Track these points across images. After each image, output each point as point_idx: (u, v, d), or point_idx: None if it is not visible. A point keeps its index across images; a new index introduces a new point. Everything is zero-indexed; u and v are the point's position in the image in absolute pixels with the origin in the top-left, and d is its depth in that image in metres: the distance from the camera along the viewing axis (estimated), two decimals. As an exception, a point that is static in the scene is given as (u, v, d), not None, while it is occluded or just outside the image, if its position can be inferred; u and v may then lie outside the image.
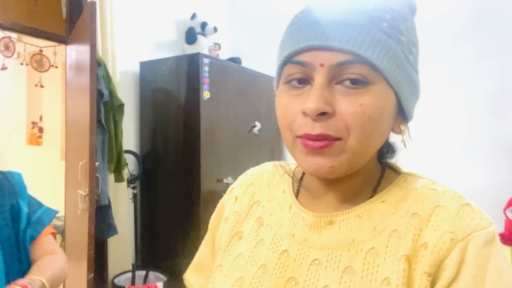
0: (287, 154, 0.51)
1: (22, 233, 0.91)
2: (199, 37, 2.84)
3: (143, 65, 2.67)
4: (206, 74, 2.47)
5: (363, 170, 0.48)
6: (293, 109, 0.44)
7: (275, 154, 3.22)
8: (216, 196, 2.53)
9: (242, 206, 0.58)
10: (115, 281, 2.40)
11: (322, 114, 0.42)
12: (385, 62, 0.41)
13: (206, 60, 2.46)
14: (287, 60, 0.45)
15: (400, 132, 0.48)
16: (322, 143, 0.43)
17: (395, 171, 0.52)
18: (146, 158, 2.66)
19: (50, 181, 3.37)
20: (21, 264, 0.88)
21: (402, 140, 0.48)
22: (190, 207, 2.45)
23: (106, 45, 2.29)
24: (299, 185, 0.55)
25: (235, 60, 2.95)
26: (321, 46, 0.42)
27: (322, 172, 0.45)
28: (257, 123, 2.96)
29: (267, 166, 0.62)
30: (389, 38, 0.41)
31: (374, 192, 0.49)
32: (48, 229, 0.99)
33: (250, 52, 3.17)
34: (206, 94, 2.46)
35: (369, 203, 0.48)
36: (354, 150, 0.43)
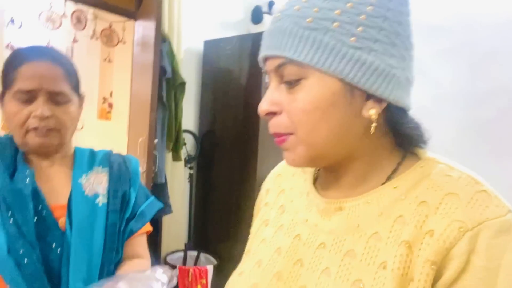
0: None
1: (124, 224, 0.89)
2: (266, 17, 2.71)
3: (207, 43, 2.61)
4: (271, 55, 2.34)
5: (359, 156, 0.49)
6: None
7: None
8: (272, 184, 2.44)
9: (271, 196, 0.63)
10: (168, 259, 2.42)
11: (272, 113, 0.48)
12: (310, 56, 0.44)
13: (271, 40, 2.33)
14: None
15: (369, 117, 0.46)
16: (279, 139, 0.49)
17: (417, 156, 0.51)
18: (204, 138, 2.63)
19: (116, 155, 3.51)
20: (117, 254, 0.85)
21: (373, 125, 0.46)
22: (245, 192, 2.38)
23: (173, 22, 2.25)
24: (317, 174, 0.58)
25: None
26: (266, 56, 0.49)
27: (290, 164, 0.50)
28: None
29: None
30: (313, 31, 0.44)
31: (388, 178, 0.49)
32: (147, 226, 0.95)
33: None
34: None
35: (381, 189, 0.48)
36: (306, 141, 0.47)
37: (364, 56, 0.44)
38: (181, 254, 2.52)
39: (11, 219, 0.74)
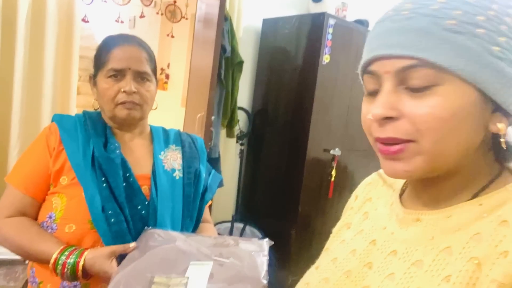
0: None
1: (200, 196, 1.01)
2: (327, -4, 2.65)
3: (266, 22, 2.62)
4: (329, 36, 2.31)
5: (462, 170, 0.47)
6: (368, 115, 0.48)
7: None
8: (320, 165, 2.46)
9: (358, 203, 0.66)
10: (215, 228, 2.57)
11: (388, 118, 0.45)
12: (453, 61, 0.41)
13: (331, 21, 2.29)
14: (364, 70, 0.49)
15: (498, 131, 0.44)
16: (395, 148, 0.45)
17: None
18: (257, 116, 2.69)
19: (171, 125, 3.69)
20: (191, 221, 0.98)
21: (502, 139, 0.44)
22: (293, 172, 2.43)
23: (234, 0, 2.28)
24: (405, 186, 0.58)
25: (362, 23, 2.69)
26: (384, 55, 0.45)
27: (399, 176, 0.48)
28: (376, 95, 2.73)
29: None
30: (458, 35, 0.41)
31: (476, 195, 0.47)
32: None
33: (380, 13, 2.86)
34: (326, 58, 2.32)
35: (465, 205, 0.47)
36: (430, 152, 0.44)
37: (507, 68, 0.42)
38: (228, 225, 2.66)
39: (105, 184, 0.86)
